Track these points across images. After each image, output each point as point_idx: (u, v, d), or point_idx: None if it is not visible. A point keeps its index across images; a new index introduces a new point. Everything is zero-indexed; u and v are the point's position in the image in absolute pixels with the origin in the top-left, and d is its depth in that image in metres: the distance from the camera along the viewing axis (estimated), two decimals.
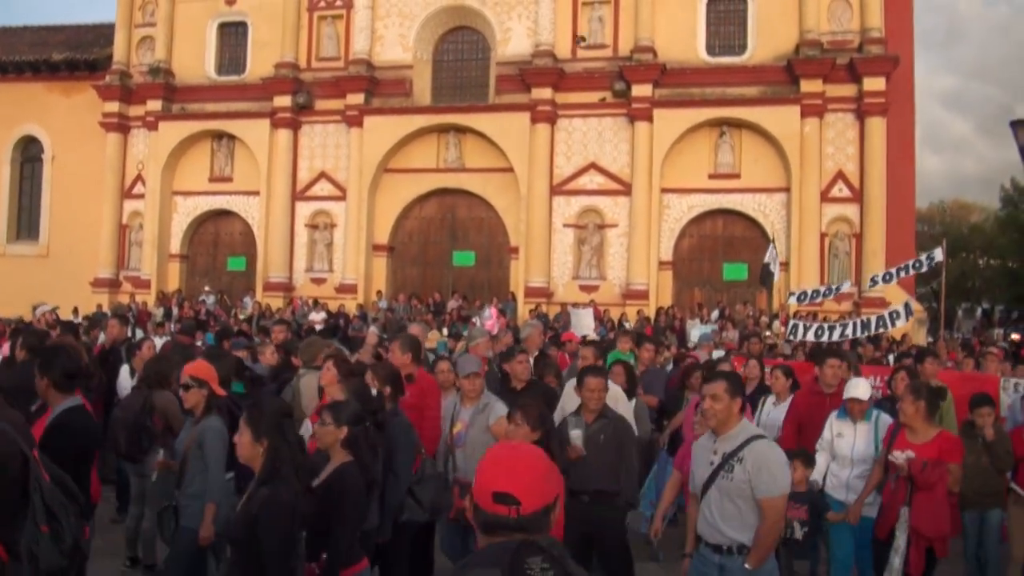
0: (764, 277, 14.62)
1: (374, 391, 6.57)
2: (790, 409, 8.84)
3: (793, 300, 13.77)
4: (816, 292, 13.81)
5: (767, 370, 10.34)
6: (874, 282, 13.29)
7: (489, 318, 21.76)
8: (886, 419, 7.63)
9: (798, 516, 7.11)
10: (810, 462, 7.58)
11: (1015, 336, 29.01)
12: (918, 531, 6.85)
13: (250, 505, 4.55)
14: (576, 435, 6.98)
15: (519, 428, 5.68)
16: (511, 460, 2.66)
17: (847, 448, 7.64)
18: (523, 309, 26.51)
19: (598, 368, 7.75)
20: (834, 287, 13.34)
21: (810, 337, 12.64)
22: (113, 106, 31.43)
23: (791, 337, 13.36)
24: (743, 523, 5.16)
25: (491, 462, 2.66)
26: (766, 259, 14.49)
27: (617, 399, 8.05)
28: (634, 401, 8.79)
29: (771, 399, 9.55)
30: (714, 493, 5.25)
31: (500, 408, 7.34)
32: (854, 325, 12.38)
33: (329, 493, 5.02)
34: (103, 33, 33.68)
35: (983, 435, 7.78)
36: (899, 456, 6.97)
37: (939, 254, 12.53)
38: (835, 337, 12.32)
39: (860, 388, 7.64)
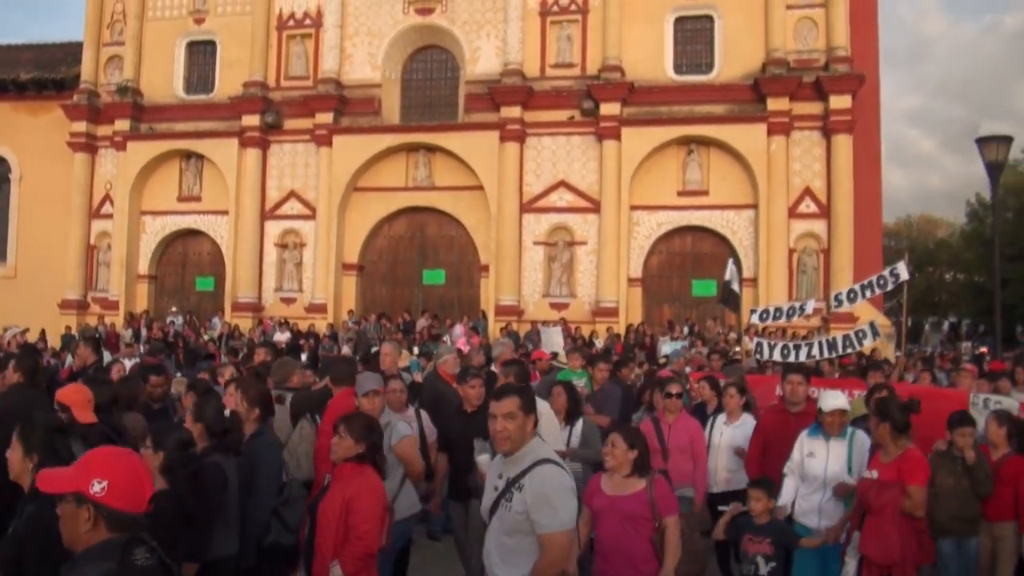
0: (727, 296, 14.33)
1: (243, 410, 6.41)
2: (756, 429, 8.46)
3: (756, 319, 13.36)
4: (779, 311, 13.31)
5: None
6: (839, 302, 12.79)
7: (460, 336, 21.79)
8: (863, 437, 7.12)
9: (761, 551, 6.57)
10: (772, 491, 6.89)
11: (983, 349, 29.25)
12: (867, 557, 6.29)
13: (17, 524, 4.27)
14: (483, 460, 6.46)
15: (342, 440, 5.41)
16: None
17: (819, 469, 7.10)
18: (494, 327, 26.50)
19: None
20: (798, 306, 12.90)
21: (776, 356, 12.21)
22: (81, 126, 31.22)
23: (757, 356, 13.06)
24: (523, 565, 4.51)
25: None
26: (727, 277, 14.17)
27: (541, 416, 7.64)
28: (580, 422, 8.37)
29: (721, 418, 9.13)
30: (495, 525, 4.67)
31: (402, 428, 7.15)
32: (820, 345, 12.07)
33: None
34: (71, 52, 33.47)
35: (963, 457, 7.39)
36: (848, 481, 6.72)
37: (903, 271, 11.93)
38: (801, 357, 11.88)
39: (840, 399, 7.21)
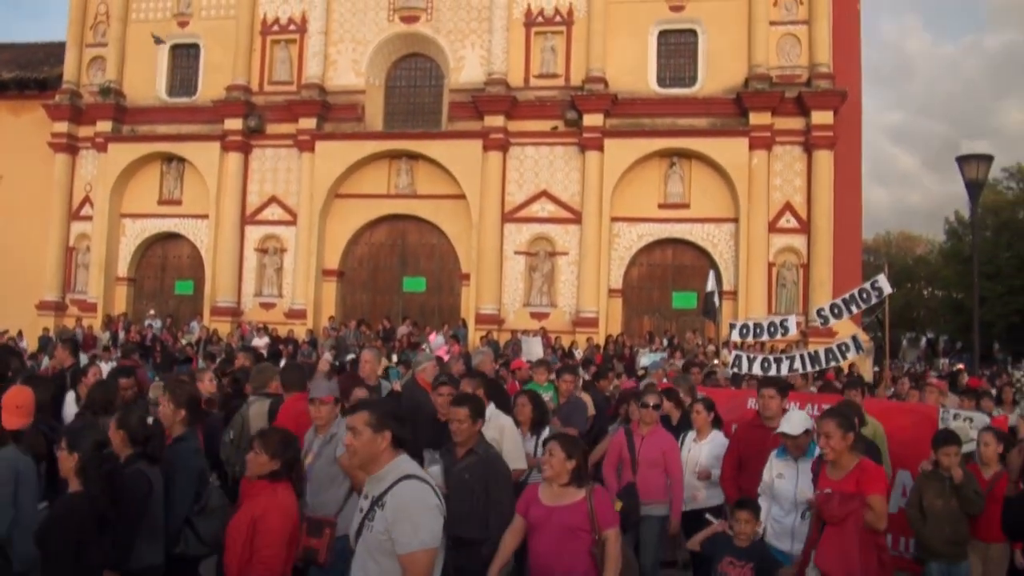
0: (708, 308, 14.06)
1: (170, 411, 6.32)
2: (730, 445, 8.21)
3: (735, 335, 13.01)
4: (759, 328, 12.94)
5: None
6: (823, 318, 12.37)
7: (441, 344, 21.71)
8: None
9: None
10: (758, 512, 6.57)
11: (960, 366, 29.40)
12: (825, 573, 5.91)
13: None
14: (435, 472, 6.40)
15: (256, 456, 5.23)
16: None
17: (789, 490, 6.81)
18: (474, 336, 26.49)
19: (467, 397, 7.00)
20: (779, 322, 12.52)
21: (756, 370, 11.81)
22: (62, 126, 31.08)
23: (735, 369, 12.74)
24: None
25: None
26: (709, 287, 13.89)
27: (503, 431, 7.61)
28: (547, 431, 8.12)
29: (691, 435, 8.90)
30: (360, 549, 4.45)
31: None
32: (802, 358, 11.75)
33: (49, 525, 4.88)
34: (53, 52, 33.32)
35: (950, 476, 7.14)
36: (809, 496, 6.34)
37: (886, 284, 11.61)
38: (783, 371, 11.58)
39: (791, 422, 6.84)
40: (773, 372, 11.57)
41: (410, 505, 4.26)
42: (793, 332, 12.69)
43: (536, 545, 5.43)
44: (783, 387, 8.40)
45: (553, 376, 11.78)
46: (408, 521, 4.22)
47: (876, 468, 6.08)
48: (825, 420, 6.02)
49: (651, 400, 8.42)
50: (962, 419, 8.96)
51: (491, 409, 7.60)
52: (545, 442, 5.81)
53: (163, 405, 6.39)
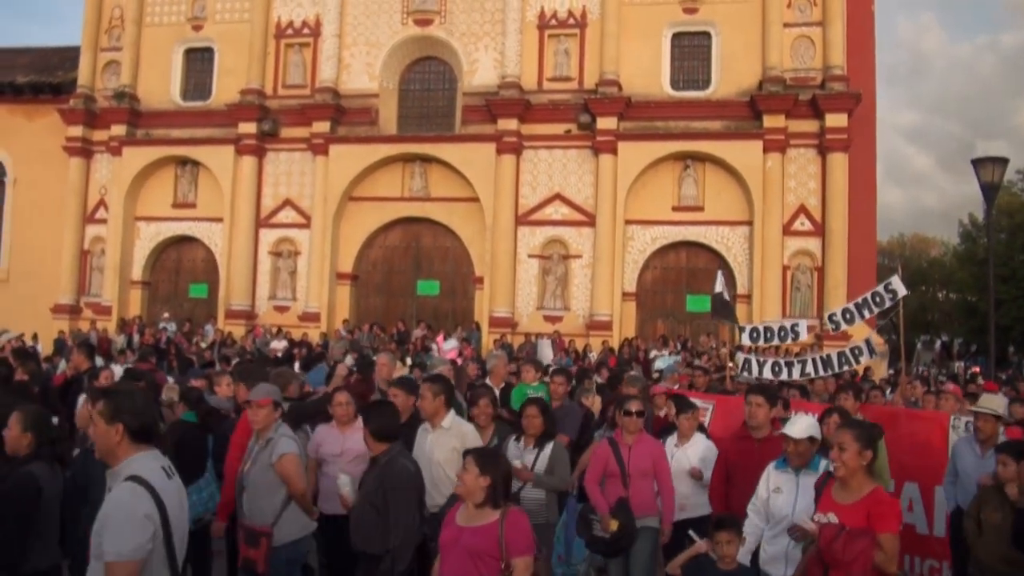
0: (720, 308, 13.50)
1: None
2: (719, 458, 7.66)
3: (746, 338, 12.47)
4: (770, 332, 12.54)
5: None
6: (835, 324, 11.68)
7: (453, 347, 21.71)
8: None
9: None
10: (740, 530, 5.99)
11: (975, 369, 29.29)
12: None
13: None
14: (344, 481, 6.27)
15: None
16: None
17: (786, 507, 6.11)
18: (488, 339, 26.49)
19: (368, 408, 6.78)
20: (789, 326, 12.16)
21: (766, 374, 11.44)
22: (77, 130, 31.19)
23: (745, 374, 12.29)
24: None
25: None
26: (717, 288, 13.29)
27: (465, 440, 7.18)
28: (551, 445, 7.74)
29: (672, 440, 8.50)
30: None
31: (285, 444, 6.55)
32: (814, 362, 11.34)
33: None
34: (68, 56, 33.45)
35: (1007, 493, 6.45)
36: (806, 523, 5.33)
37: (900, 286, 11.15)
38: (794, 375, 11.36)
39: (796, 425, 6.18)
40: (784, 377, 11.49)
41: (112, 512, 3.89)
42: (804, 336, 12.35)
43: (444, 569, 5.09)
44: (772, 395, 7.70)
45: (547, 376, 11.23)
46: (109, 529, 3.85)
47: (892, 502, 5.36)
48: (842, 430, 5.38)
49: (633, 407, 7.77)
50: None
51: (451, 417, 7.40)
52: (465, 454, 5.31)
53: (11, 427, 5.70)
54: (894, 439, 8.72)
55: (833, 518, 5.20)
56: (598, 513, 7.45)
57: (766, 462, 6.55)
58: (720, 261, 26.86)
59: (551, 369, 12.13)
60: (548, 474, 7.60)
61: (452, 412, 7.44)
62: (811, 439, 6.20)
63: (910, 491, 8.77)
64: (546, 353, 19.99)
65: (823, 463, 6.05)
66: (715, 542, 5.86)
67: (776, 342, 12.92)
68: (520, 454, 7.67)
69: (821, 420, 7.40)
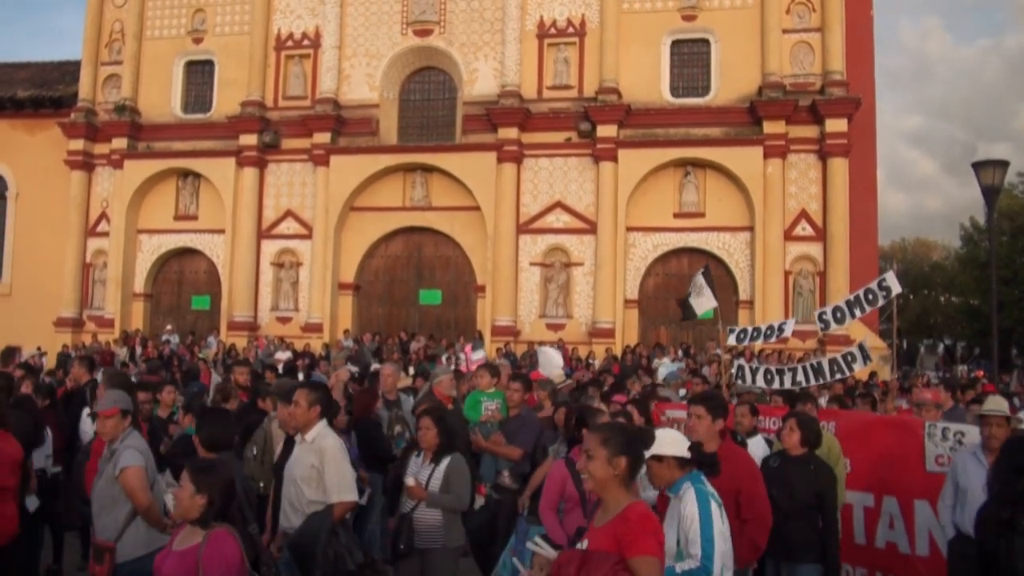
0: (686, 309, 12.73)
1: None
2: None
3: (732, 339, 12.25)
4: (756, 331, 12.17)
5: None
6: (824, 323, 11.11)
7: (481, 356, 21.49)
8: (691, 496, 4.86)
9: None
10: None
11: (979, 372, 29.24)
12: None
13: None
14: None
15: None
16: None
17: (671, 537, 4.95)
18: (491, 348, 26.47)
19: (212, 410, 6.51)
20: (776, 326, 11.87)
21: (758, 382, 11.04)
22: (78, 144, 31.25)
23: (738, 380, 11.76)
24: None
25: None
26: (693, 289, 12.50)
27: (324, 456, 6.34)
28: (448, 460, 6.89)
29: None
30: None
31: (128, 457, 6.12)
32: (805, 370, 10.81)
33: None
34: (68, 70, 33.56)
35: None
36: (542, 548, 4.25)
37: (894, 283, 10.52)
38: (785, 384, 10.78)
39: (658, 441, 4.87)
40: (776, 385, 11.04)
41: None
42: (788, 334, 12.13)
43: None
44: (716, 405, 6.42)
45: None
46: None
47: (644, 519, 4.06)
48: (590, 434, 4.30)
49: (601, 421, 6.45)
50: (951, 434, 7.86)
51: (316, 429, 6.50)
52: (185, 467, 4.62)
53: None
54: (871, 449, 8.25)
55: (549, 552, 4.20)
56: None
57: (716, 481, 5.43)
58: (723, 268, 26.88)
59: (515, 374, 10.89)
60: (443, 492, 6.78)
61: (322, 423, 6.54)
62: (658, 459, 4.98)
63: (889, 506, 7.99)
64: (555, 361, 19.67)
65: (683, 485, 4.96)
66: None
67: (761, 341, 12.55)
68: (417, 470, 6.98)
69: (782, 425, 7.20)
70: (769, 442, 8.30)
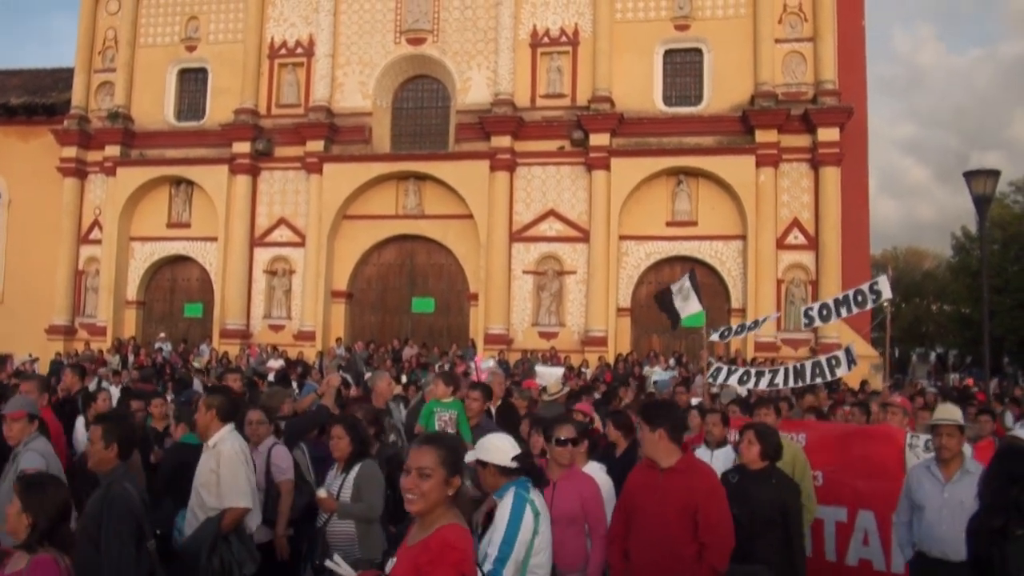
0: (665, 306, 12.43)
1: None
2: (620, 496, 5.98)
3: (715, 337, 12.29)
4: (741, 327, 12.05)
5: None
6: (809, 319, 10.81)
7: (491, 366, 21.37)
8: (512, 498, 4.79)
9: None
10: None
11: (968, 380, 29.29)
12: None
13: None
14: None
15: None
16: None
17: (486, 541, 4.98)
18: (483, 356, 26.46)
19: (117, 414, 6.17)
20: (760, 319, 11.74)
21: (733, 382, 10.74)
22: (71, 151, 31.19)
23: (710, 380, 11.50)
24: None
25: None
26: (679, 292, 12.18)
27: (220, 459, 6.16)
28: (358, 467, 6.67)
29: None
30: None
31: (27, 459, 6.00)
32: (785, 372, 10.40)
33: None
34: (61, 78, 33.52)
35: None
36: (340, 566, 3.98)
37: (886, 287, 10.30)
38: (762, 385, 10.42)
39: (487, 448, 4.89)
40: (751, 385, 10.71)
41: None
42: (772, 320, 11.93)
43: None
44: (652, 416, 5.74)
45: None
46: None
47: (448, 547, 3.62)
48: (420, 450, 3.84)
49: (563, 434, 5.94)
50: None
51: (220, 434, 6.32)
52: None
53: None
54: (847, 461, 7.90)
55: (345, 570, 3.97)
56: None
57: (671, 498, 5.41)
58: (715, 276, 26.96)
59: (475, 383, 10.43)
60: (355, 501, 6.53)
61: (226, 428, 6.36)
62: (501, 468, 4.85)
63: (865, 521, 7.65)
64: (555, 373, 19.22)
65: (509, 490, 4.82)
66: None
67: (744, 334, 12.39)
68: (330, 481, 6.78)
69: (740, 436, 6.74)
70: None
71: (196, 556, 5.71)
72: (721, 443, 8.08)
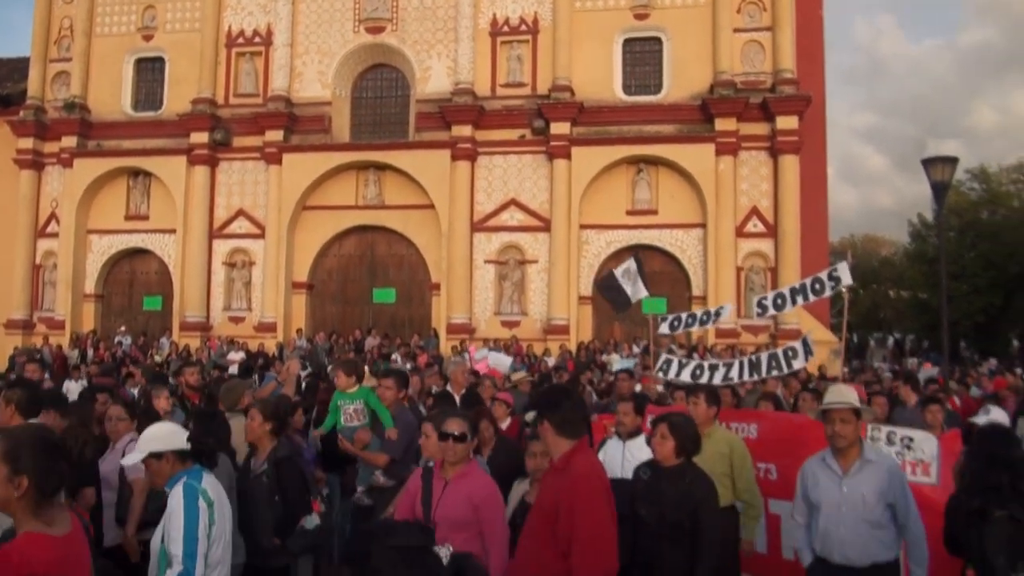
0: (610, 293, 12.00)
1: None
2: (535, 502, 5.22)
3: (665, 328, 11.63)
4: (692, 317, 11.39)
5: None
6: (763, 308, 10.36)
7: (484, 356, 21.22)
8: (182, 490, 4.65)
9: None
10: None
11: (927, 364, 29.52)
12: None
13: None
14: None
15: None
16: None
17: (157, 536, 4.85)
18: (446, 345, 26.47)
19: None
20: (713, 312, 11.19)
21: (684, 377, 10.02)
22: (27, 142, 30.80)
23: (660, 374, 10.89)
24: None
25: None
26: (625, 276, 11.74)
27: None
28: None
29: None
30: None
31: None
32: (740, 366, 9.94)
33: None
34: (17, 67, 33.10)
35: None
36: None
37: (846, 273, 9.78)
38: (716, 379, 9.78)
39: (154, 438, 4.83)
40: (705, 379, 9.87)
41: None
42: (725, 316, 11.44)
43: None
44: (560, 413, 4.83)
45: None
46: None
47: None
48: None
49: (453, 427, 5.25)
50: (898, 439, 7.04)
51: (129, 436, 6.24)
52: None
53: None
54: (803, 454, 6.64)
55: None
56: None
57: (538, 503, 4.89)
58: (675, 264, 27.12)
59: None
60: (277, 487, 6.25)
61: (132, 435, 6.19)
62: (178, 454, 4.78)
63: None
64: (503, 361, 19.43)
65: (180, 481, 4.71)
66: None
67: (696, 327, 11.92)
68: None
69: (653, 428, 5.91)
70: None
71: None
72: (634, 433, 7.22)
